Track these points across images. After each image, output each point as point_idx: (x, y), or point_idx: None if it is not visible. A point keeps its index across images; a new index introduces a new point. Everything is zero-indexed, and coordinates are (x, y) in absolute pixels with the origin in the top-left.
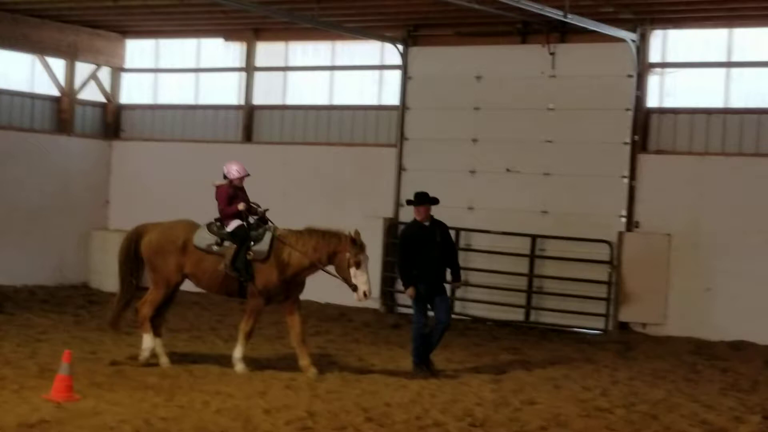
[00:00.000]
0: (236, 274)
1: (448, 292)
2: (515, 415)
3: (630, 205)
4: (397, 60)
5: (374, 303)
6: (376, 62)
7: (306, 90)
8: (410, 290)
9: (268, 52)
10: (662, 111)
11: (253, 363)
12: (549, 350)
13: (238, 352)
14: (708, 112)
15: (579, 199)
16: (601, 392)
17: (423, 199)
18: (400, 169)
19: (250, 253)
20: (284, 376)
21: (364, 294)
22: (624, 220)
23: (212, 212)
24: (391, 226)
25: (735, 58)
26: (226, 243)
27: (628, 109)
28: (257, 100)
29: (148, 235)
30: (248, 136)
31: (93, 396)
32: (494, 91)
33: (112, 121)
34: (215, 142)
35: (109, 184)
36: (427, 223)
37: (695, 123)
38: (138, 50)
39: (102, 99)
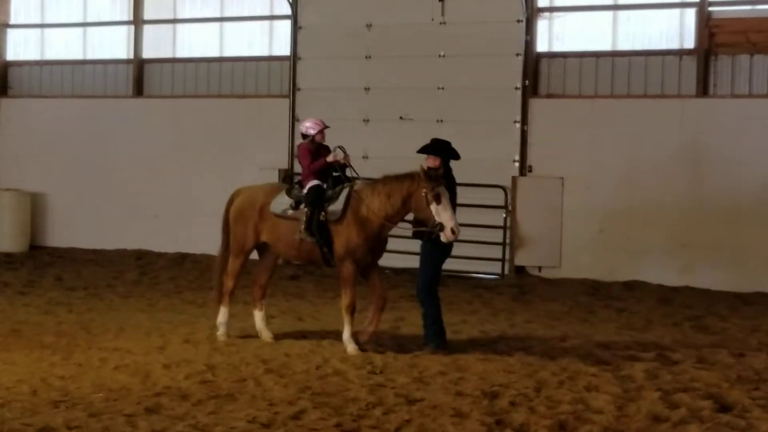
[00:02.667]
0: (312, 239)
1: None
2: (414, 361)
3: (523, 150)
4: (287, 10)
5: None
6: (266, 12)
7: (196, 42)
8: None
9: (156, 4)
10: (552, 55)
11: (151, 318)
12: (446, 296)
13: (346, 333)
14: (596, 55)
15: (472, 145)
16: (498, 336)
17: (426, 148)
18: (293, 119)
19: (323, 214)
20: (183, 331)
21: (452, 231)
22: (517, 164)
23: (100, 169)
24: (287, 177)
25: (621, 1)
26: (302, 206)
27: (518, 54)
28: (147, 53)
29: (236, 199)
30: (139, 90)
31: None
32: (385, 39)
33: None
34: (105, 97)
35: None
36: None
37: (584, 66)
38: (23, 5)
39: None
